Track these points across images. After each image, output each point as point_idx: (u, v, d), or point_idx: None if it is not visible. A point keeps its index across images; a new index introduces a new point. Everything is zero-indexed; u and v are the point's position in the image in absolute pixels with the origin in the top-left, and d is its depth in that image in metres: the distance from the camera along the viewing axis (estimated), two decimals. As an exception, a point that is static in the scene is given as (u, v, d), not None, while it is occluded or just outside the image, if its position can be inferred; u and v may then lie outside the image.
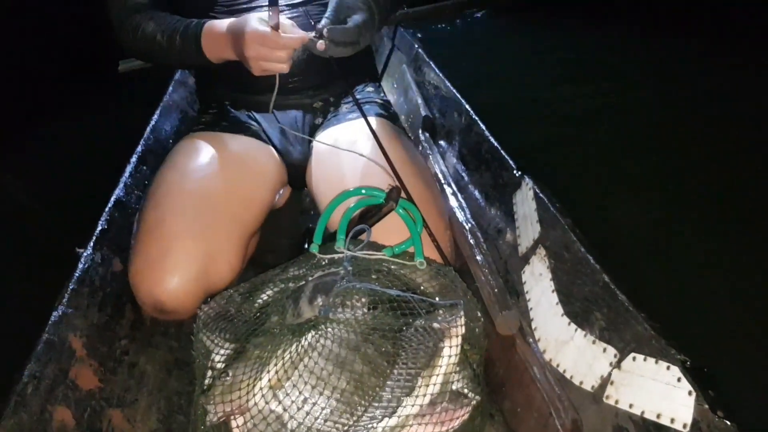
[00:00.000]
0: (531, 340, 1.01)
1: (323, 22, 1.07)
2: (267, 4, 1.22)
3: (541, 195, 1.11)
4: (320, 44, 1.06)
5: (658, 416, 0.74)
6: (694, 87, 2.68)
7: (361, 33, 1.09)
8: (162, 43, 1.20)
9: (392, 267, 0.99)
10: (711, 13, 3.28)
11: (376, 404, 0.79)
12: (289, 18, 1.21)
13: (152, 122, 1.65)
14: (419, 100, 1.79)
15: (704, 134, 2.29)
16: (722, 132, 2.29)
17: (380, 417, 0.78)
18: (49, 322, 0.96)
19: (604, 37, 3.46)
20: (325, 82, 1.35)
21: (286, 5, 1.25)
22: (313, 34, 1.07)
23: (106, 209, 1.24)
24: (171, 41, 1.19)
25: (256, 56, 1.06)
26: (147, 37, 1.21)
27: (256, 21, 1.07)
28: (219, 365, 0.90)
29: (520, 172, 1.21)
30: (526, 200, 1.16)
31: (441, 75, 1.82)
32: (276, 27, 1.05)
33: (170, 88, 1.90)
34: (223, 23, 1.14)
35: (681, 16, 3.36)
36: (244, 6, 1.25)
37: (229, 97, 1.34)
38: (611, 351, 0.84)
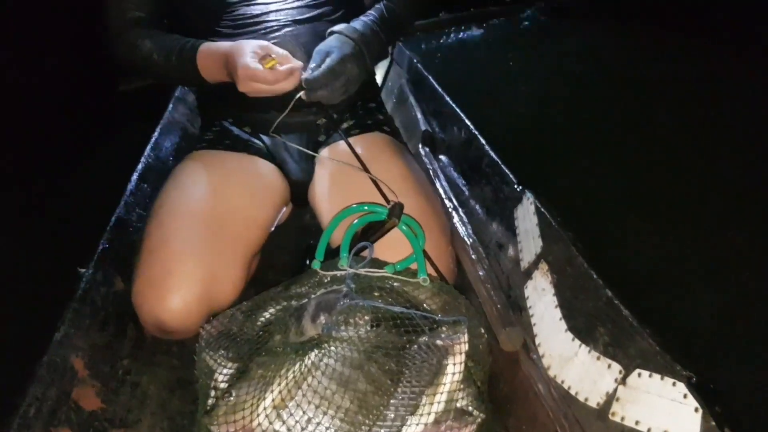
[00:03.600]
0: (535, 356, 1.01)
1: (305, 74, 1.10)
2: (273, 19, 1.23)
3: (542, 209, 1.10)
4: (302, 94, 1.10)
5: (665, 433, 0.73)
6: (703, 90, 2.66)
7: (336, 74, 1.09)
8: (158, 62, 1.21)
9: (395, 284, 0.99)
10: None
11: (381, 423, 0.78)
12: (296, 33, 1.22)
13: (153, 140, 1.65)
14: (418, 115, 1.80)
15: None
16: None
17: (385, 436, 0.78)
18: (51, 342, 0.95)
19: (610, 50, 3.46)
20: None
21: (292, 20, 1.24)
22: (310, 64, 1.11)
23: (108, 228, 1.24)
24: (167, 61, 1.19)
25: (250, 92, 1.09)
26: (143, 56, 1.21)
27: (249, 57, 1.07)
28: (222, 385, 0.89)
29: (521, 187, 1.21)
30: (527, 215, 1.15)
31: (440, 89, 1.82)
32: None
33: (170, 106, 1.90)
34: (218, 47, 1.15)
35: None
36: (250, 21, 1.24)
37: (231, 114, 1.34)
38: (616, 367, 0.84)
